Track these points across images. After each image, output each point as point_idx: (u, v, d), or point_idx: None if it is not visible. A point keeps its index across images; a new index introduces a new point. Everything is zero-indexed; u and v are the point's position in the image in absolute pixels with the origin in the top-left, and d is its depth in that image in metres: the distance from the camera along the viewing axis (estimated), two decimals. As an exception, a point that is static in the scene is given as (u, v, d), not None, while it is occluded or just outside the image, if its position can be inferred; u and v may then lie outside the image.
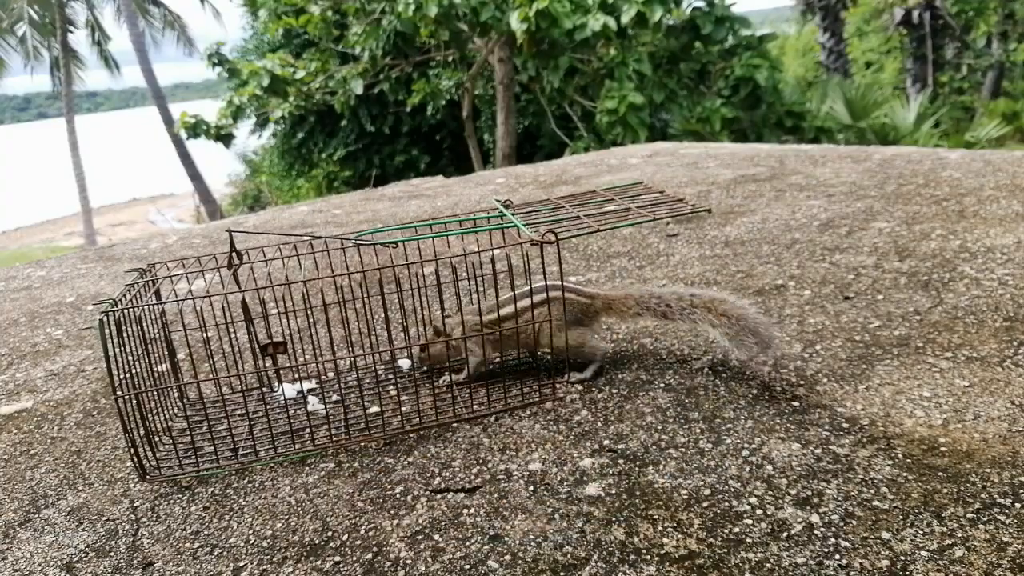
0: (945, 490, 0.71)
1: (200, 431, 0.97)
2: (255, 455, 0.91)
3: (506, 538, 0.71)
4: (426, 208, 2.26)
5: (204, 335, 0.97)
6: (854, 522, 0.69)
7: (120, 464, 0.94)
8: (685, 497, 0.75)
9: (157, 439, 0.93)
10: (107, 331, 0.82)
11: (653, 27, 7.09)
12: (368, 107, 11.75)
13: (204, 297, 0.88)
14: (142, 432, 0.87)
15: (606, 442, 0.86)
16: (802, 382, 0.95)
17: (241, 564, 0.72)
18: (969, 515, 0.68)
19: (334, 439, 0.92)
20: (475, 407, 0.99)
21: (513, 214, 1.09)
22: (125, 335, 0.88)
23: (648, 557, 0.67)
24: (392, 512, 0.78)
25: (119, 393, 0.84)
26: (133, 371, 0.88)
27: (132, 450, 0.85)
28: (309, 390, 1.05)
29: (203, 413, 0.99)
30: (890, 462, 0.77)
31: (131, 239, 2.38)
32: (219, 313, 1.05)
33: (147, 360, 0.93)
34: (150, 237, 2.36)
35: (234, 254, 0.93)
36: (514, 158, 8.36)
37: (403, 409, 0.96)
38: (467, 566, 0.68)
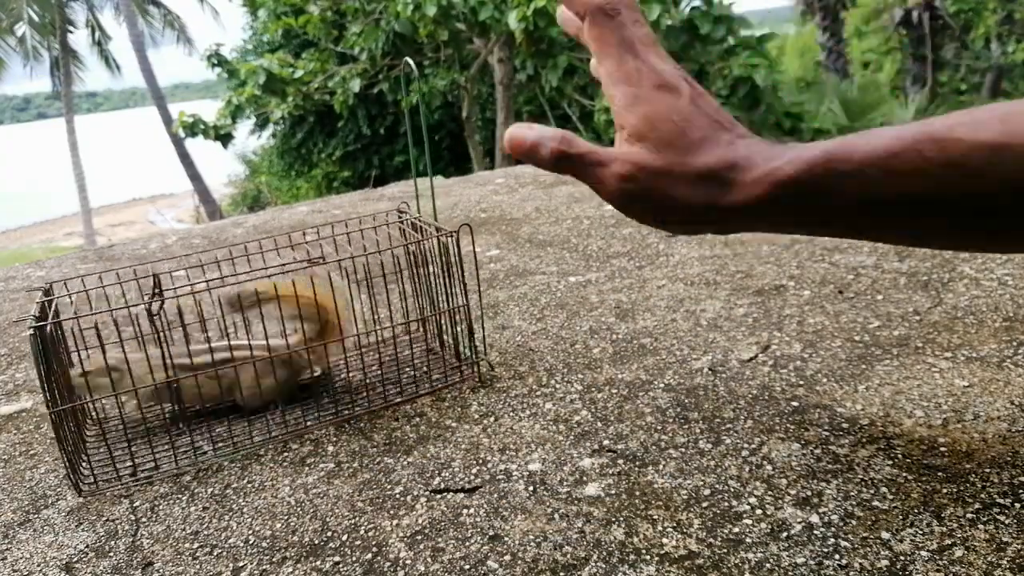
0: (945, 490, 0.71)
1: (135, 440, 0.96)
2: (195, 457, 0.92)
3: (506, 538, 0.71)
4: (425, 208, 2.26)
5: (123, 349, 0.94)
6: (854, 522, 0.68)
7: (119, 464, 0.94)
8: (685, 497, 0.75)
9: (89, 450, 0.93)
10: (39, 346, 0.81)
11: (651, 26, 7.10)
12: (367, 107, 11.75)
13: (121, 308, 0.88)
14: (71, 445, 0.86)
15: (606, 442, 0.86)
16: (802, 382, 0.95)
17: (241, 564, 0.72)
18: (969, 515, 0.67)
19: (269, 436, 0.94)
20: (377, 400, 1.00)
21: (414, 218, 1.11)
22: (53, 351, 0.87)
23: (648, 557, 0.67)
24: (392, 512, 0.78)
25: (51, 407, 0.83)
26: (62, 385, 0.87)
27: (67, 465, 0.84)
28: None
29: (143, 422, 0.99)
30: (890, 462, 0.77)
31: (131, 239, 2.38)
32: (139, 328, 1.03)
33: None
34: (150, 237, 2.36)
35: (155, 295, 0.88)
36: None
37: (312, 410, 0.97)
38: (467, 566, 0.68)
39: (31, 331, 0.81)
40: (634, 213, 0.56)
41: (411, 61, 1.03)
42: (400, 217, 1.14)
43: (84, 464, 0.90)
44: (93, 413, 1.02)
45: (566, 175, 0.58)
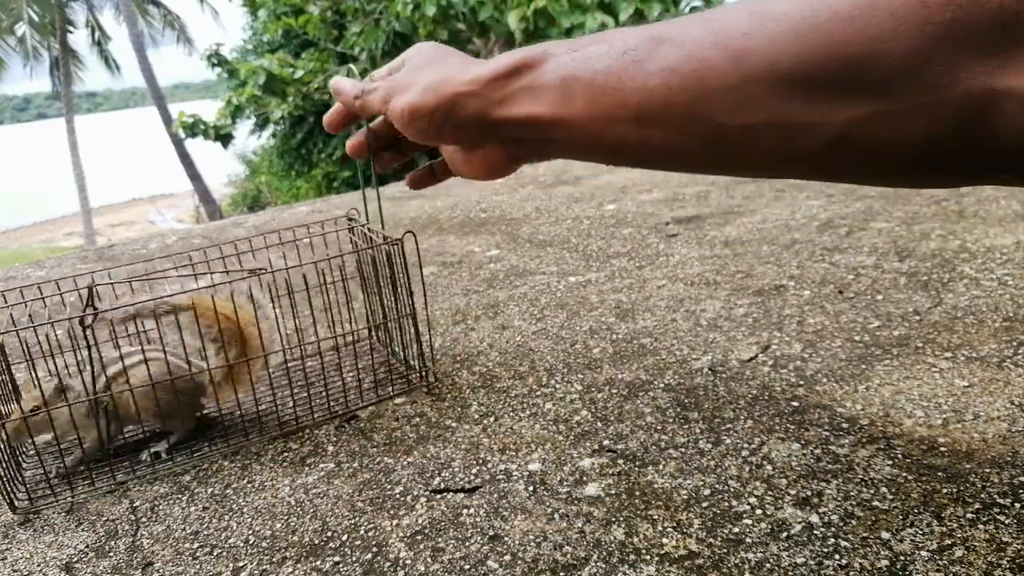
0: (945, 490, 0.71)
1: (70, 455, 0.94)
2: (133, 473, 0.90)
3: (506, 538, 0.71)
4: (425, 208, 2.26)
5: (53, 363, 0.91)
6: (854, 522, 0.68)
7: (118, 464, 0.94)
8: (685, 497, 0.75)
9: (25, 466, 0.91)
10: None
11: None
12: (367, 107, 11.71)
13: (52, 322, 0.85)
14: (7, 459, 0.84)
15: (606, 442, 0.86)
16: (802, 382, 0.95)
17: (241, 564, 0.72)
18: (969, 515, 0.67)
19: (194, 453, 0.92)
20: (333, 407, 0.99)
21: (361, 225, 1.07)
22: None
23: (648, 557, 0.67)
24: (392, 512, 0.78)
25: None
26: None
27: (1, 482, 0.82)
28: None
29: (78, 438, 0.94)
30: (890, 462, 0.77)
31: (131, 239, 2.38)
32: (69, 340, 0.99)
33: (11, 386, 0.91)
34: (150, 237, 2.36)
35: (89, 309, 0.84)
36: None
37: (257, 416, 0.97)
38: (467, 566, 0.68)
39: None
40: (404, 113, 0.63)
41: (354, 67, 1.03)
42: (349, 225, 1.10)
43: (19, 480, 0.88)
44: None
45: (367, 111, 0.71)
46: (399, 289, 1.00)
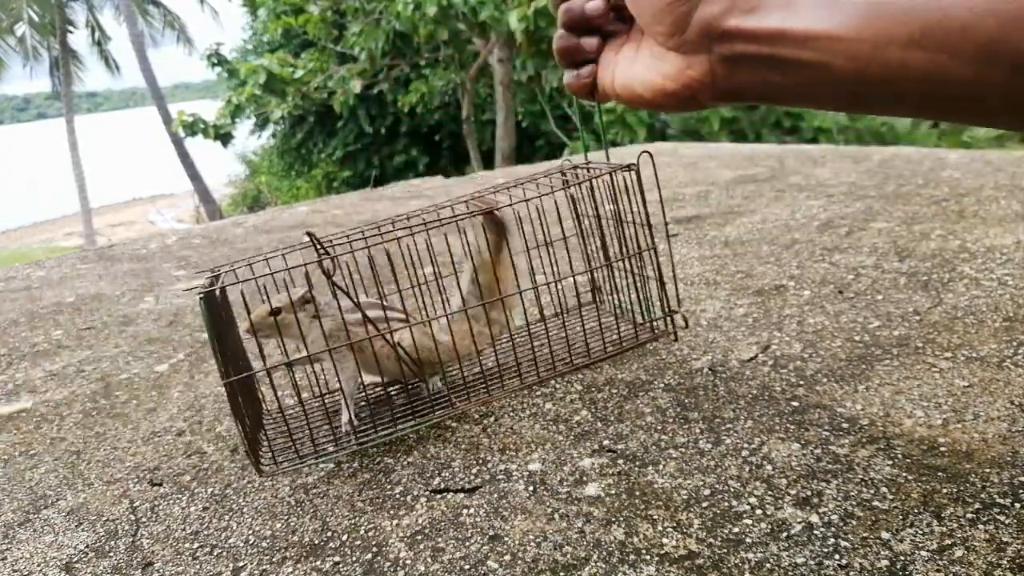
0: (945, 490, 0.71)
1: (299, 420, 0.96)
2: (368, 433, 0.90)
3: (506, 538, 0.71)
4: (425, 207, 2.26)
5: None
6: (854, 522, 0.68)
7: (120, 464, 0.94)
8: (685, 497, 0.75)
9: (262, 429, 0.91)
10: (206, 312, 0.77)
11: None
12: (367, 107, 11.72)
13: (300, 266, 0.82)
14: (249, 422, 0.83)
15: (606, 442, 0.86)
16: (802, 382, 0.95)
17: (241, 564, 0.72)
18: (969, 515, 0.67)
19: (455, 404, 0.93)
20: (575, 360, 0.99)
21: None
22: (224, 323, 0.84)
23: (648, 557, 0.67)
24: (392, 512, 0.78)
25: (225, 377, 0.78)
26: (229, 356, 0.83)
27: (247, 442, 0.81)
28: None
29: (299, 402, 0.95)
30: (890, 462, 0.77)
31: (131, 239, 2.38)
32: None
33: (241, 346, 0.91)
34: (150, 237, 2.36)
35: (323, 257, 0.81)
36: (514, 158, 8.38)
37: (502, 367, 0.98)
38: (467, 566, 0.68)
39: (199, 297, 0.77)
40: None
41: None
42: (563, 169, 1.06)
43: (264, 443, 0.88)
44: (262, 393, 0.98)
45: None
46: (635, 224, 0.94)
